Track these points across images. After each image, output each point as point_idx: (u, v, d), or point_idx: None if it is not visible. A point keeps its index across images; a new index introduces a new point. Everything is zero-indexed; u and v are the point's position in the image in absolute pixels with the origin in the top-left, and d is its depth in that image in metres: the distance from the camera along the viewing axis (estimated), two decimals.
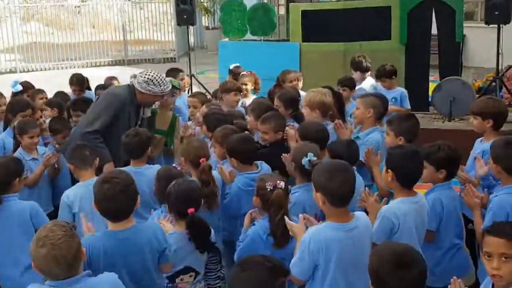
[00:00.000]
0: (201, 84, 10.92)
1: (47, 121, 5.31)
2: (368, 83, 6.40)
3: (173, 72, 6.47)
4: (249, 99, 5.85)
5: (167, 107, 5.35)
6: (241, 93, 5.93)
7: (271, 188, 3.08)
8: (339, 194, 2.71)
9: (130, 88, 4.81)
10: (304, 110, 4.67)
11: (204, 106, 5.18)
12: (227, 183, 3.90)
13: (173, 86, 5.19)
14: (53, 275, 2.45)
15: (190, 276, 3.25)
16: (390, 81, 6.10)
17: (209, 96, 6.61)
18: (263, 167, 3.85)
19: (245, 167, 3.78)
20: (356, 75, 6.29)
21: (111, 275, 2.63)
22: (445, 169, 3.42)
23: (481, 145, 4.04)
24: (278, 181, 3.13)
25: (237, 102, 5.72)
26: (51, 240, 2.39)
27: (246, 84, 6.17)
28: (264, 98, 5.59)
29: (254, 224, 3.18)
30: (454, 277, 2.41)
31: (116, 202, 2.82)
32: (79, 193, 3.69)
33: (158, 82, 4.71)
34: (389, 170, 3.13)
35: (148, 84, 4.68)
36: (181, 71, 6.83)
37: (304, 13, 9.16)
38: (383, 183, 3.62)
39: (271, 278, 2.14)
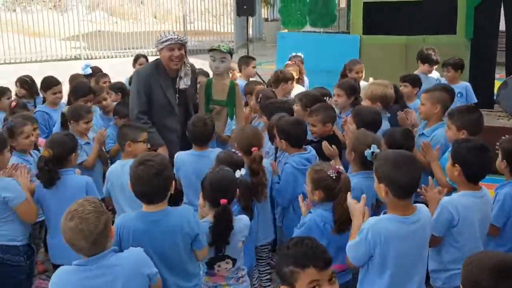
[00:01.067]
0: (259, 75, 10.92)
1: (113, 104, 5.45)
2: (434, 76, 6.25)
3: (245, 59, 6.73)
4: (295, 89, 5.80)
5: (220, 74, 5.02)
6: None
7: (335, 175, 3.01)
8: (405, 186, 2.63)
9: (157, 60, 4.81)
10: (364, 103, 4.57)
11: (254, 94, 5.15)
12: (274, 174, 3.89)
13: (221, 51, 4.92)
14: (80, 249, 2.48)
15: (227, 263, 3.16)
16: (454, 73, 5.92)
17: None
18: (311, 149, 3.85)
19: (294, 150, 3.76)
20: (423, 67, 6.12)
21: (137, 250, 2.65)
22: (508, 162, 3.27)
23: None
24: (337, 167, 3.07)
25: (290, 90, 5.68)
26: (80, 214, 2.43)
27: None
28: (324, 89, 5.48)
29: (310, 212, 3.12)
30: None
31: (150, 185, 2.80)
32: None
33: (165, 35, 4.66)
34: (456, 165, 3.01)
35: (158, 41, 4.67)
36: (253, 59, 6.92)
37: (366, 5, 9.00)
38: (443, 178, 3.51)
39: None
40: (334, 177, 2.99)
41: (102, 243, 2.49)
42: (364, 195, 2.87)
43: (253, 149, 3.66)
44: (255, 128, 4.20)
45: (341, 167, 3.11)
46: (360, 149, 3.34)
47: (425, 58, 6.09)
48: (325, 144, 3.89)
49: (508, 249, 3.28)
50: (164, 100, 4.69)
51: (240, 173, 3.25)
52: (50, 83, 5.40)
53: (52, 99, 5.34)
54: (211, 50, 5.01)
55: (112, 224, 2.66)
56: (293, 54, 6.93)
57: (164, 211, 2.89)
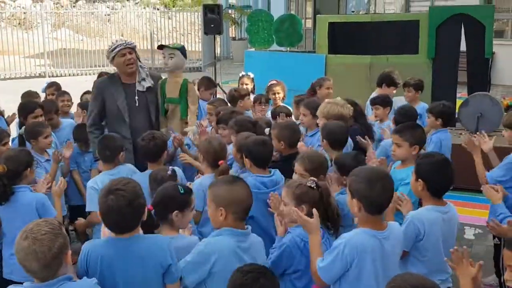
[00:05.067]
0: (226, 94, 10.95)
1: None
2: (398, 99, 6.28)
3: (206, 82, 6.60)
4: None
5: (172, 72, 4.93)
6: (274, 102, 6.05)
7: (314, 185, 2.98)
8: (378, 202, 2.65)
9: (113, 73, 4.93)
10: (320, 121, 4.57)
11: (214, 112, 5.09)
12: None
13: (169, 47, 4.91)
14: (31, 271, 2.36)
15: None
16: (415, 94, 5.98)
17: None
18: (276, 173, 3.77)
19: (258, 170, 3.72)
20: (385, 90, 6.09)
21: (90, 281, 2.49)
22: None
23: None
24: (311, 178, 3.07)
25: (249, 106, 5.75)
26: (35, 234, 2.32)
27: (278, 93, 6.17)
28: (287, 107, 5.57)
29: (289, 232, 3.06)
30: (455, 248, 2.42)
31: (121, 216, 2.63)
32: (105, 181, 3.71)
33: (113, 44, 4.73)
34: (419, 180, 3.06)
35: (108, 51, 4.74)
36: (214, 85, 6.98)
37: (331, 24, 9.16)
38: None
39: None
40: (314, 187, 2.97)
41: (54, 268, 2.35)
42: (315, 210, 2.84)
43: (220, 162, 3.65)
44: (222, 141, 4.15)
45: (315, 179, 3.08)
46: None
47: (387, 80, 6.07)
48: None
49: None
50: (115, 109, 4.73)
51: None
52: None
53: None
54: (159, 47, 5.05)
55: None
56: (243, 73, 7.03)
57: (135, 237, 2.70)
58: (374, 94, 5.97)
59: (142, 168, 4.25)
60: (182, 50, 4.91)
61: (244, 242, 2.84)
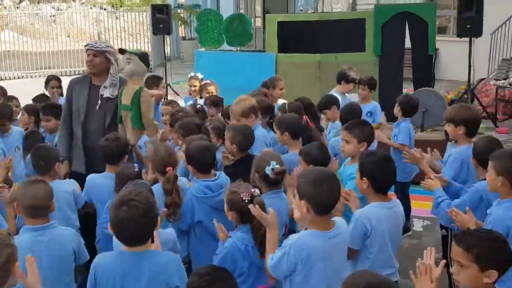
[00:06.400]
0: (177, 94, 10.91)
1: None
2: (348, 96, 6.40)
3: (155, 80, 6.46)
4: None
5: (129, 78, 4.74)
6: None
7: (248, 198, 3.01)
8: (326, 203, 2.70)
9: None
10: (233, 121, 4.63)
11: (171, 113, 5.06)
12: None
13: (127, 52, 4.75)
14: None
15: None
16: (369, 92, 6.11)
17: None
18: (221, 176, 3.75)
19: (202, 175, 3.70)
20: (343, 86, 6.18)
21: None
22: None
23: (451, 148, 4.16)
24: (252, 190, 3.08)
25: None
26: None
27: (212, 92, 6.31)
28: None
29: (230, 236, 3.10)
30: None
31: (136, 227, 2.57)
32: None
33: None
34: (363, 178, 3.15)
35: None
36: (161, 78, 6.87)
37: (281, 24, 9.26)
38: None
39: None
40: (246, 201, 2.99)
41: (2, 277, 2.28)
42: (270, 209, 2.90)
43: (167, 169, 3.62)
44: (169, 147, 4.10)
45: (257, 190, 3.10)
46: (261, 167, 3.38)
47: (345, 78, 6.17)
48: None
49: None
50: (76, 107, 4.71)
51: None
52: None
53: None
54: (120, 51, 4.88)
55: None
56: (191, 74, 7.06)
57: (148, 253, 2.65)
58: (333, 91, 6.09)
59: (92, 169, 4.24)
60: (142, 56, 4.75)
61: (44, 236, 3.08)
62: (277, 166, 3.34)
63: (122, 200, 2.62)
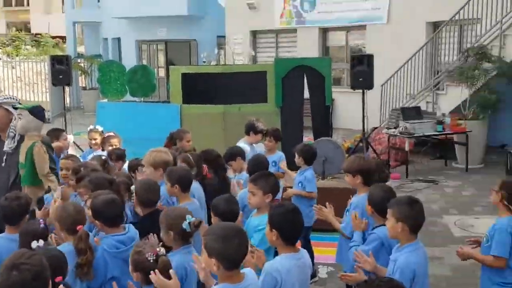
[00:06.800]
0: (78, 146, 10.60)
1: None
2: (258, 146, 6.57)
3: (55, 133, 6.27)
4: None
5: (25, 134, 4.70)
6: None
7: (153, 258, 2.97)
8: (235, 258, 2.72)
9: None
10: (147, 170, 4.67)
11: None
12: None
13: (18, 108, 4.70)
14: None
15: None
16: (275, 143, 6.33)
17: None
18: (130, 229, 3.70)
19: (111, 229, 3.63)
20: (251, 138, 6.34)
21: None
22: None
23: (355, 198, 4.37)
24: (156, 249, 3.03)
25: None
26: None
27: (116, 145, 6.20)
28: None
29: None
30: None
31: None
32: None
33: None
34: (273, 230, 3.20)
35: None
36: (63, 131, 6.67)
37: (184, 75, 9.39)
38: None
39: None
40: (151, 260, 2.96)
41: None
42: (172, 271, 2.90)
43: (78, 227, 3.50)
44: (78, 205, 4.00)
45: (162, 249, 3.07)
46: (178, 224, 3.34)
47: (253, 128, 6.36)
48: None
49: None
50: None
51: (37, 244, 3.14)
52: None
53: None
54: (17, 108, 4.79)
55: None
56: (91, 127, 6.96)
57: None
58: (242, 142, 6.23)
59: None
60: (32, 110, 4.63)
61: None
62: (193, 219, 3.34)
63: (12, 264, 2.47)
